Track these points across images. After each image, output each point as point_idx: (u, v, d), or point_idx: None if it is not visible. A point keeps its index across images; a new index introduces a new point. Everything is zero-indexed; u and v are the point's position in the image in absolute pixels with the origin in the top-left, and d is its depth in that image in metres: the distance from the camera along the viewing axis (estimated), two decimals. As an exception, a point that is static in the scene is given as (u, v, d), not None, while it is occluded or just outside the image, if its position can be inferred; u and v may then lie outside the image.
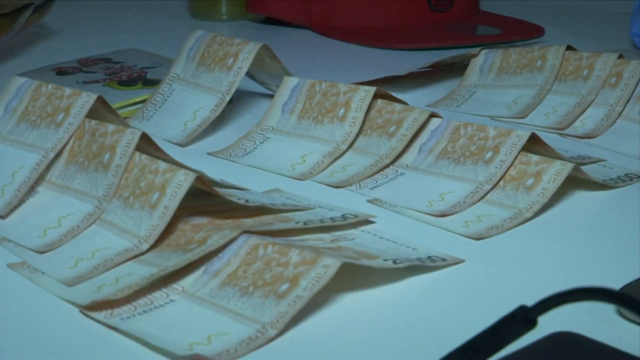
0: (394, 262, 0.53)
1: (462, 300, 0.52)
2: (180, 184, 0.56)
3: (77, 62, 0.91)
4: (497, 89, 0.84)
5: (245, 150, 0.72)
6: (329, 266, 0.50)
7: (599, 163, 0.70)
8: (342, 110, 0.71)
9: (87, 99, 0.64)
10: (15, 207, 0.61)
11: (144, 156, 0.59)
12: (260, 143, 0.73)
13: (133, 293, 0.51)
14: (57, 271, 0.55)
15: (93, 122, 0.63)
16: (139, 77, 0.85)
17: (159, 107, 0.78)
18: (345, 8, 1.10)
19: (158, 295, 0.52)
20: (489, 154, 0.65)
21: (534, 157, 0.64)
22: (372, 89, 0.71)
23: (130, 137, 0.60)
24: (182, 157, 0.70)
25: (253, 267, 0.52)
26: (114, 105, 0.78)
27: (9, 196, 0.61)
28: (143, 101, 0.80)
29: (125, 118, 0.79)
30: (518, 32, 1.07)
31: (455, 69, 0.90)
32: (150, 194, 0.57)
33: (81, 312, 0.50)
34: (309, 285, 0.50)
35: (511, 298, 0.51)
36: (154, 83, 0.82)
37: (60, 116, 0.64)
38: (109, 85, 0.83)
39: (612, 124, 0.76)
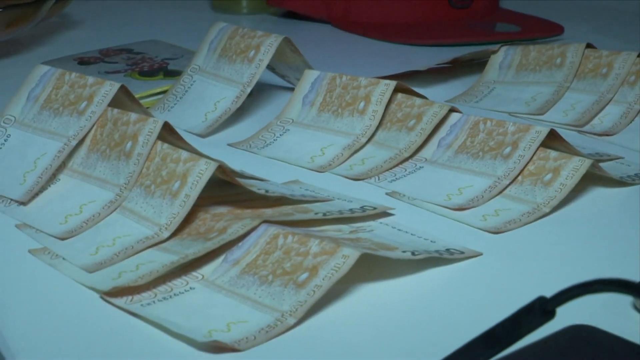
0: (413, 253, 0.53)
1: (480, 293, 0.52)
2: (201, 173, 0.57)
3: (99, 52, 0.91)
4: (516, 86, 0.84)
5: (265, 141, 0.72)
6: (348, 256, 0.50)
7: (617, 160, 0.70)
8: (362, 104, 0.71)
9: (110, 88, 0.64)
10: (37, 194, 0.62)
11: (165, 145, 0.59)
12: (280, 135, 0.73)
13: (153, 280, 0.52)
14: (78, 257, 0.55)
15: (116, 110, 0.63)
16: (161, 67, 0.85)
17: (180, 97, 0.79)
18: (365, 3, 1.10)
19: (178, 283, 0.52)
20: (508, 149, 0.65)
21: (553, 153, 0.64)
22: (392, 83, 0.71)
23: (153, 126, 0.60)
24: (202, 147, 0.70)
25: (273, 256, 0.53)
26: (139, 95, 0.79)
27: (30, 183, 0.62)
28: (164, 92, 0.80)
29: (147, 108, 0.79)
30: (538, 30, 1.06)
31: (474, 65, 0.90)
32: (171, 183, 0.57)
33: (101, 297, 0.51)
34: (328, 274, 0.50)
35: (528, 291, 0.51)
36: (175, 74, 0.83)
37: (83, 104, 0.64)
38: (130, 75, 0.84)
39: (631, 122, 0.76)
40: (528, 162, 0.64)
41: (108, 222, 0.58)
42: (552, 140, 0.66)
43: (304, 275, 0.50)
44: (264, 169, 0.67)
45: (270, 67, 0.83)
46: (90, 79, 0.66)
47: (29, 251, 0.56)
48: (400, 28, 1.07)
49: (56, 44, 1.03)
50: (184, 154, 0.58)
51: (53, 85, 0.67)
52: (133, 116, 0.62)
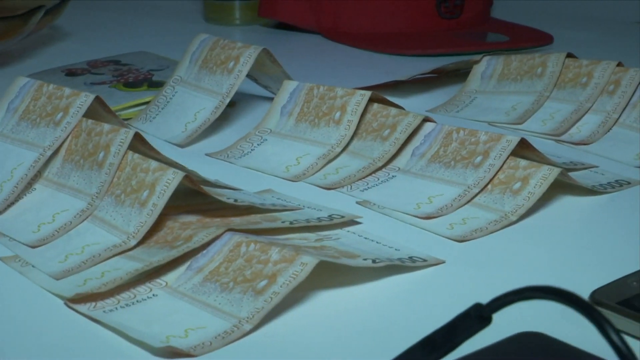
0: (374, 261, 0.54)
1: (439, 300, 0.53)
2: (168, 183, 0.58)
3: (87, 63, 0.92)
4: (497, 95, 0.85)
5: (243, 151, 0.74)
6: (306, 264, 0.51)
7: (591, 169, 0.71)
8: (338, 114, 0.73)
9: (85, 99, 0.66)
10: (12, 203, 0.63)
11: (136, 155, 0.61)
12: (258, 145, 0.74)
13: (117, 287, 0.53)
14: (48, 265, 0.56)
15: (90, 121, 0.64)
16: (145, 79, 0.86)
17: (162, 108, 0.80)
18: (355, 14, 1.11)
19: (142, 290, 0.53)
20: (479, 158, 0.66)
21: (523, 162, 0.65)
22: (367, 93, 0.72)
23: (124, 137, 0.62)
24: (180, 157, 0.72)
25: (235, 263, 0.54)
26: (119, 106, 0.80)
27: (6, 192, 0.63)
28: (147, 102, 0.81)
29: (129, 119, 0.81)
30: (526, 40, 1.07)
31: (459, 75, 0.91)
32: (140, 192, 0.59)
33: (65, 304, 0.52)
34: (286, 282, 0.51)
35: (488, 299, 0.52)
36: (159, 85, 0.84)
37: (59, 115, 0.66)
38: (115, 86, 0.85)
39: (608, 131, 0.77)
40: (498, 171, 0.65)
41: (79, 231, 0.60)
42: (524, 149, 0.67)
43: (263, 283, 0.51)
44: (240, 179, 0.68)
45: (252, 78, 0.84)
46: (67, 91, 0.67)
47: (0, 259, 0.57)
48: (388, 38, 1.08)
49: (47, 55, 1.04)
50: (153, 164, 0.59)
51: (32, 96, 0.68)
52: (106, 127, 0.63)
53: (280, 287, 0.51)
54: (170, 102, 0.80)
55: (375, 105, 0.73)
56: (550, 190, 0.65)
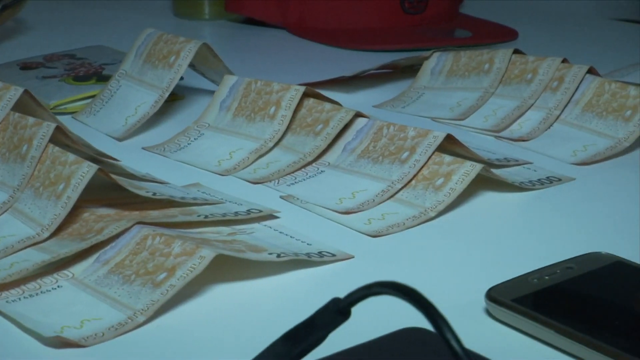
0: (278, 255, 0.55)
1: (341, 295, 0.53)
2: (83, 175, 0.59)
3: (43, 57, 0.93)
4: (444, 92, 0.85)
5: (180, 145, 0.74)
6: (204, 257, 0.52)
7: (525, 165, 0.71)
8: (273, 109, 0.73)
9: (14, 93, 0.67)
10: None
11: (56, 148, 0.62)
12: (195, 139, 0.75)
13: (24, 278, 0.54)
14: (-40, 256, 0.57)
15: (17, 114, 0.65)
16: (95, 73, 0.87)
17: (106, 102, 0.81)
18: (320, 9, 1.12)
19: (48, 281, 0.54)
20: (406, 154, 0.67)
21: (447, 158, 0.65)
22: (301, 89, 0.73)
23: (46, 130, 0.62)
24: (117, 151, 0.73)
25: (139, 256, 0.54)
26: (64, 100, 0.81)
27: None
28: (94, 96, 0.82)
29: (75, 112, 0.82)
30: (490, 36, 1.08)
31: (414, 70, 0.92)
32: (57, 185, 0.60)
33: (-30, 294, 0.53)
34: (184, 275, 0.52)
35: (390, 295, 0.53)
36: (107, 79, 0.85)
37: (-12, 109, 0.67)
38: (64, 80, 0.86)
39: (549, 128, 0.77)
40: (423, 167, 0.65)
41: (-1, 223, 0.60)
42: (453, 145, 0.68)
43: (163, 275, 0.52)
44: (171, 172, 0.69)
45: (200, 72, 0.85)
46: (0, 83, 0.68)
47: None
48: (353, 34, 1.09)
49: (8, 48, 1.05)
50: (71, 157, 0.60)
51: (-37, 90, 0.69)
52: (31, 120, 0.64)
53: (178, 279, 0.52)
54: (114, 96, 0.81)
55: (312, 101, 0.74)
56: (476, 186, 0.66)
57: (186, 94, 0.87)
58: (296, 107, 0.73)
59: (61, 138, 0.64)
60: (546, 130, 0.77)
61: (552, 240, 0.60)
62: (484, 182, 0.66)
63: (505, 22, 1.13)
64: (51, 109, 0.81)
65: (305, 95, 0.74)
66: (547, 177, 0.69)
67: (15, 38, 1.09)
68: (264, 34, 1.13)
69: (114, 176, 0.61)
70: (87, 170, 0.59)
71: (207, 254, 0.52)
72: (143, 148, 0.75)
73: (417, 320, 0.39)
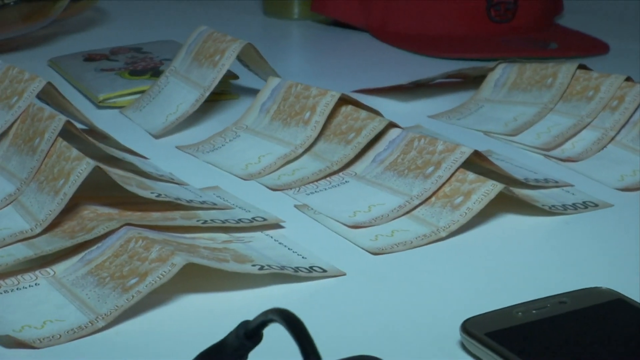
0: (261, 268, 0.53)
1: (321, 312, 0.51)
2: (80, 173, 0.58)
3: (110, 50, 0.93)
4: (504, 105, 0.81)
5: (214, 146, 0.73)
6: (175, 264, 0.50)
7: (564, 188, 0.67)
8: (308, 114, 0.71)
9: (38, 84, 0.66)
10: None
11: (64, 143, 0.61)
12: (230, 140, 0.73)
13: (5, 273, 0.53)
14: (-45, 246, 0.57)
15: (36, 106, 0.65)
16: (152, 68, 0.86)
17: (153, 98, 0.80)
18: (403, 13, 1.08)
19: (27, 277, 0.53)
20: (431, 169, 0.63)
21: (471, 176, 0.62)
22: (337, 94, 0.70)
23: (57, 124, 0.62)
24: (150, 148, 0.72)
25: (119, 259, 0.53)
26: (115, 93, 0.81)
27: (-49, 172, 0.64)
28: (144, 91, 0.82)
29: (123, 107, 0.81)
30: (577, 49, 1.02)
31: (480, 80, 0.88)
32: (58, 180, 0.59)
33: (-51, 286, 0.52)
34: (152, 281, 0.50)
35: (375, 315, 0.50)
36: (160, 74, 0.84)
37: (14, 99, 0.66)
38: (120, 73, 0.85)
39: (602, 149, 0.73)
40: (445, 183, 0.62)
41: (1, 214, 0.60)
42: (484, 161, 0.64)
43: (134, 280, 0.51)
44: (198, 173, 0.68)
45: (253, 71, 0.83)
46: (27, 74, 0.68)
47: None
48: (435, 41, 1.05)
49: (91, 37, 1.05)
50: (74, 153, 0.59)
51: (-2, 79, 0.69)
52: (47, 112, 0.63)
53: (146, 286, 0.50)
54: (161, 92, 0.80)
55: (349, 108, 0.71)
56: (502, 207, 0.62)
57: (241, 94, 0.85)
58: (333, 114, 0.71)
59: (76, 132, 0.63)
60: (599, 151, 0.72)
61: (565, 270, 0.56)
62: (512, 203, 0.62)
63: (609, 36, 1.07)
64: (99, 102, 0.81)
65: (345, 101, 0.71)
66: (584, 202, 0.65)
67: (96, 29, 1.10)
68: (347, 37, 1.11)
69: (117, 175, 0.60)
70: (85, 167, 0.58)
71: (178, 262, 0.50)
72: (176, 147, 0.73)
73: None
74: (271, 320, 0.35)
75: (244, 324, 0.37)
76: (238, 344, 0.37)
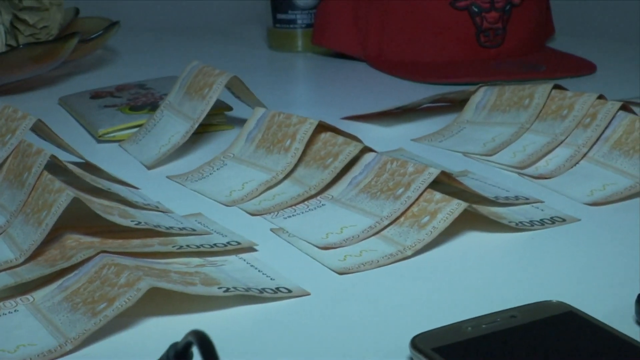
0: (226, 290, 0.52)
1: (285, 332, 0.50)
2: (61, 204, 0.58)
3: (115, 87, 0.94)
4: (483, 126, 0.80)
5: (202, 175, 0.73)
6: (140, 289, 0.50)
7: (533, 204, 0.66)
8: (289, 141, 0.71)
9: (29, 121, 0.67)
10: (-49, 217, 0.65)
11: (49, 176, 0.61)
12: (218, 169, 0.73)
13: (-11, 299, 0.53)
14: (-57, 276, 0.57)
15: (26, 142, 0.65)
16: (150, 102, 0.87)
17: (149, 131, 0.80)
18: (397, 43, 1.08)
19: (8, 304, 0.54)
20: (401, 190, 0.63)
21: (437, 195, 0.61)
22: (315, 122, 0.70)
23: (43, 159, 0.62)
24: (143, 179, 0.72)
25: (93, 285, 0.53)
26: (114, 127, 0.81)
27: (-52, 206, 0.65)
28: (141, 125, 0.82)
29: (122, 140, 0.82)
30: (565, 70, 1.02)
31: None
32: (41, 212, 0.59)
33: None
34: (119, 305, 0.50)
35: (338, 335, 0.49)
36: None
37: (8, 137, 0.67)
38: (120, 109, 0.86)
39: (574, 165, 0.72)
40: (413, 204, 0.61)
41: (-11, 246, 0.60)
42: (452, 181, 0.64)
43: (103, 305, 0.51)
44: (184, 202, 0.68)
45: (245, 103, 0.83)
46: (20, 113, 0.68)
47: None
48: (427, 67, 1.05)
49: (100, 76, 1.06)
50: (57, 185, 0.60)
51: (-6, 118, 0.70)
52: (34, 148, 0.64)
53: (112, 310, 0.50)
54: (156, 125, 0.80)
55: (328, 134, 0.71)
56: (470, 225, 0.61)
57: (236, 124, 0.85)
58: (313, 140, 0.70)
59: (62, 165, 0.63)
60: (571, 167, 0.72)
61: (525, 285, 0.55)
62: (481, 221, 0.62)
63: (601, 58, 1.06)
64: (99, 136, 0.82)
65: (324, 128, 0.71)
66: (551, 217, 0.64)
67: (106, 67, 1.11)
68: (346, 66, 1.11)
69: (99, 205, 0.60)
70: (64, 199, 0.58)
71: (143, 286, 0.50)
72: (167, 177, 0.74)
73: None
74: (190, 341, 0.34)
75: (173, 346, 0.36)
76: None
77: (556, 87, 0.78)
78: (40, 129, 0.68)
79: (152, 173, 0.75)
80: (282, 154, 0.70)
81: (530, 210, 0.65)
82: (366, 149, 0.68)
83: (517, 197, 0.67)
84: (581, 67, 1.02)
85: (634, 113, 0.73)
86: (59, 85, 1.02)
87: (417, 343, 0.46)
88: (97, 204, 0.60)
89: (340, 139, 0.69)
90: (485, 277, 0.56)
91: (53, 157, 0.62)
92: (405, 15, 1.07)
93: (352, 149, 0.68)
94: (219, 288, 0.53)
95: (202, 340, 0.33)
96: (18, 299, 0.54)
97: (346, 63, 1.12)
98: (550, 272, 0.57)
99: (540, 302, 0.50)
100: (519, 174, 0.72)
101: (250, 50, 1.20)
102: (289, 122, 0.72)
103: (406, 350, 0.47)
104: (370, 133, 0.80)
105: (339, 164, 0.67)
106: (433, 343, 0.46)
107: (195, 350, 0.36)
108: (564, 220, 0.63)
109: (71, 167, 0.64)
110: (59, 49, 0.94)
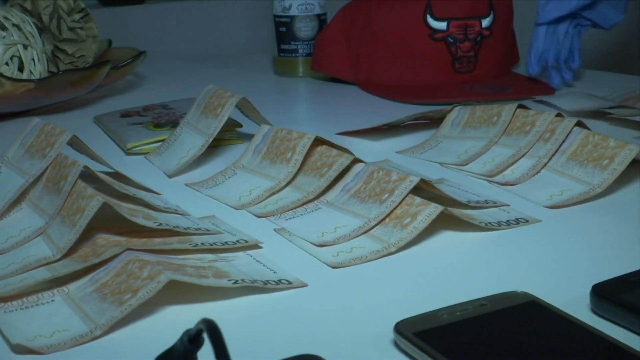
0: (235, 282, 0.52)
1: (287, 319, 0.50)
2: (92, 208, 0.57)
3: (142, 107, 0.93)
4: (458, 140, 0.79)
5: (216, 182, 0.72)
6: (160, 282, 0.49)
7: (500, 207, 0.65)
8: (290, 154, 0.70)
9: (66, 137, 0.66)
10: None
11: (82, 184, 0.60)
12: (229, 177, 0.72)
13: (27, 292, 0.52)
14: (-8, 271, 0.56)
15: (63, 155, 0.64)
16: (173, 120, 0.86)
17: (170, 145, 0.79)
18: (384, 69, 1.07)
19: (46, 295, 0.53)
20: (386, 195, 0.62)
21: (417, 200, 0.60)
22: (312, 137, 0.69)
23: (77, 169, 0.61)
24: (165, 186, 0.71)
25: (120, 278, 0.52)
26: (141, 142, 0.81)
27: (-3, 210, 0.64)
28: (164, 140, 0.81)
29: (147, 153, 0.81)
30: (528, 91, 1.01)
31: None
32: (76, 215, 0.58)
33: (-21, 305, 0.52)
34: (142, 296, 0.49)
35: (335, 321, 0.48)
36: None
37: (47, 150, 0.66)
38: (146, 126, 0.85)
39: (536, 174, 0.71)
40: (397, 207, 0.61)
41: (31, 244, 0.59)
42: (431, 187, 0.63)
43: (128, 296, 0.50)
44: (200, 205, 0.67)
45: (253, 120, 0.82)
46: (58, 129, 0.67)
47: (-36, 266, 0.58)
48: (410, 90, 1.04)
49: (126, 98, 1.06)
50: (89, 191, 0.59)
51: (36, 134, 0.69)
52: (70, 160, 0.63)
53: (136, 300, 0.49)
54: (177, 140, 0.79)
55: (324, 147, 0.70)
56: (445, 225, 0.61)
57: (245, 139, 0.84)
58: (311, 152, 0.69)
59: (94, 175, 0.62)
60: (534, 176, 0.71)
61: (493, 278, 0.54)
62: (454, 222, 0.61)
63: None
64: (128, 149, 0.81)
65: (320, 142, 0.70)
66: (516, 219, 0.63)
67: (134, 91, 1.10)
68: (340, 89, 1.10)
69: (125, 209, 0.59)
70: (95, 204, 0.57)
71: (163, 279, 0.49)
72: (185, 184, 0.73)
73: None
74: (201, 328, 0.33)
75: (187, 332, 0.35)
76: (184, 349, 0.35)
77: (520, 106, 0.77)
78: (75, 143, 0.68)
79: (172, 181, 0.74)
80: (284, 165, 0.70)
81: (497, 213, 0.64)
82: (356, 160, 0.67)
83: (486, 201, 0.66)
84: (542, 89, 1.01)
85: (587, 129, 0.72)
86: (93, 106, 1.01)
87: (400, 328, 0.46)
88: (124, 208, 0.60)
89: (334, 151, 0.69)
90: (458, 270, 0.55)
91: (86, 167, 0.61)
92: (391, 45, 1.06)
93: (344, 160, 0.67)
94: (229, 280, 0.52)
95: (211, 327, 0.32)
96: (55, 290, 0.53)
97: (340, 86, 1.11)
98: (515, 266, 0.56)
99: (507, 292, 0.49)
100: (488, 181, 0.71)
101: (257, 75, 1.19)
102: (290, 136, 0.71)
103: (390, 335, 0.46)
104: (360, 146, 0.79)
105: (333, 173, 0.67)
106: (414, 328, 0.45)
107: (205, 336, 0.35)
108: (527, 221, 0.63)
109: (102, 175, 0.63)
110: (94, 74, 0.93)
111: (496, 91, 1.01)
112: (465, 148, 0.77)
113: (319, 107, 1.06)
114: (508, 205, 0.65)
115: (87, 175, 0.63)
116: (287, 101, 1.07)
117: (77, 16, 1.01)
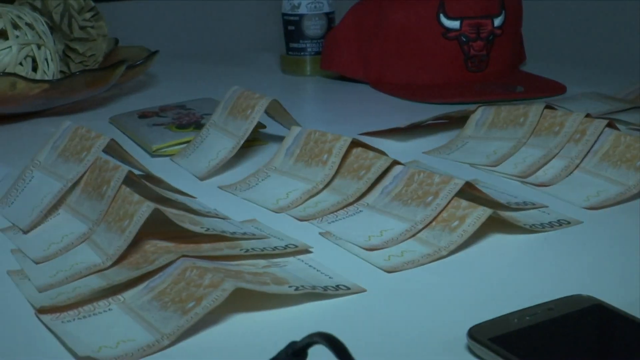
0: (296, 289, 0.51)
1: (349, 326, 0.49)
2: (142, 214, 0.56)
3: (159, 107, 0.92)
4: (484, 141, 0.79)
5: (249, 185, 0.71)
6: (226, 289, 0.48)
7: (540, 209, 0.65)
8: (325, 156, 0.69)
9: (103, 140, 0.65)
10: (37, 225, 0.62)
11: (127, 189, 0.59)
12: (262, 180, 0.71)
13: (82, 301, 0.51)
14: (39, 279, 0.55)
15: (102, 159, 0.63)
16: (195, 121, 0.85)
17: (197, 147, 0.78)
18: (396, 68, 1.07)
19: (102, 304, 0.52)
20: (430, 198, 0.61)
21: (464, 203, 0.60)
22: (349, 139, 0.69)
23: (121, 174, 0.60)
24: (198, 188, 0.70)
25: (178, 286, 0.51)
26: (165, 144, 0.79)
27: (34, 216, 0.63)
28: (189, 141, 0.80)
29: (172, 155, 0.79)
30: (540, 90, 1.01)
31: (464, 121, 0.86)
32: (123, 221, 0.57)
33: (35, 314, 0.50)
34: (207, 304, 0.48)
35: (395, 326, 0.48)
36: (202, 127, 0.82)
37: (84, 154, 0.65)
38: (169, 127, 0.84)
39: (569, 175, 0.71)
40: (443, 210, 0.60)
41: (76, 251, 0.58)
42: (474, 190, 0.62)
43: (191, 304, 0.49)
44: (237, 209, 0.66)
45: (278, 122, 0.81)
46: (93, 133, 0.66)
47: (7, 272, 0.56)
48: (423, 89, 1.03)
49: (140, 98, 1.04)
50: (136, 197, 0.58)
51: (69, 137, 0.67)
52: (111, 164, 0.62)
53: (202, 308, 0.48)
54: (204, 142, 0.78)
55: (359, 149, 0.69)
56: (490, 228, 0.60)
57: (269, 140, 0.83)
58: (346, 155, 0.69)
59: (136, 179, 0.61)
60: (567, 177, 0.71)
61: (551, 280, 0.54)
62: (498, 224, 0.60)
63: (568, 78, 1.05)
64: (154, 151, 0.79)
65: (355, 144, 0.69)
66: (558, 220, 0.63)
67: (146, 90, 1.08)
68: (350, 88, 1.09)
69: (172, 214, 0.58)
70: (145, 210, 0.56)
71: (228, 287, 0.48)
72: (219, 187, 0.72)
73: None
74: (316, 342, 0.33)
75: (292, 344, 0.35)
76: (287, 360, 0.35)
77: (547, 106, 0.77)
78: (110, 147, 0.66)
79: (203, 184, 0.73)
80: (320, 167, 0.69)
81: (538, 214, 0.64)
82: (395, 162, 0.66)
83: (525, 203, 0.66)
84: (554, 88, 1.01)
85: (617, 129, 0.72)
86: (107, 106, 0.99)
87: (474, 334, 0.45)
88: (171, 213, 0.58)
89: (371, 153, 0.68)
90: (512, 274, 0.55)
91: (130, 172, 0.60)
92: (403, 44, 1.06)
93: (383, 162, 0.66)
94: (290, 287, 0.51)
95: (333, 342, 0.31)
96: (110, 299, 0.52)
97: (350, 85, 1.10)
98: (569, 268, 0.55)
99: (572, 295, 0.49)
100: (522, 182, 0.71)
101: (266, 74, 1.18)
102: (324, 138, 0.70)
103: (463, 340, 0.45)
104: (386, 147, 0.78)
105: (372, 176, 0.66)
106: (488, 334, 0.45)
107: (310, 351, 0.34)
108: (568, 222, 0.62)
109: (144, 181, 0.62)
110: (110, 74, 0.92)
111: (508, 90, 1.01)
112: (494, 149, 0.77)
113: (329, 106, 1.05)
114: (547, 207, 0.65)
115: (127, 180, 0.61)
116: (295, 100, 1.05)
117: (87, 15, 0.99)
